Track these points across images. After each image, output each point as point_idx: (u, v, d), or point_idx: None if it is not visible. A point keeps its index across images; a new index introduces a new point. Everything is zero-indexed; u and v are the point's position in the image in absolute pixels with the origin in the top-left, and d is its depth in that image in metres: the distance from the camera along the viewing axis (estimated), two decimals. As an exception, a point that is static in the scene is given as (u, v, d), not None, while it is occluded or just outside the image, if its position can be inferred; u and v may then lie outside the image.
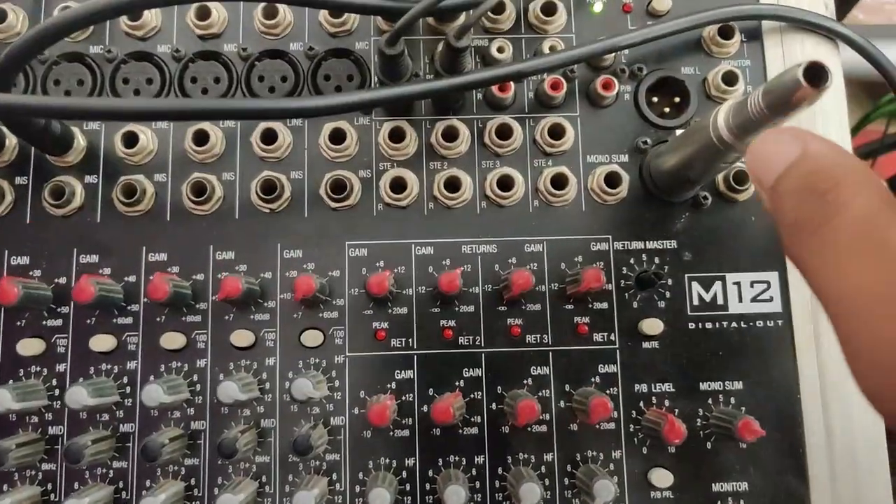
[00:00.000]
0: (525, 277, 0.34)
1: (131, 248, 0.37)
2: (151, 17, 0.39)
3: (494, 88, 0.38)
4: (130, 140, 0.38)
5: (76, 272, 0.37)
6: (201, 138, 0.38)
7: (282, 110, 0.31)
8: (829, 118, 0.40)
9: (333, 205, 0.38)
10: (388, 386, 0.36)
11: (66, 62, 0.39)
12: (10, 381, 0.35)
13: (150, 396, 0.33)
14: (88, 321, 0.36)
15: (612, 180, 0.38)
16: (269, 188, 0.38)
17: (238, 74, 0.39)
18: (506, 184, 0.38)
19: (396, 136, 0.38)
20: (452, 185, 0.38)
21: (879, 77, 0.42)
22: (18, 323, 0.36)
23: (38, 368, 0.36)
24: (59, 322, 0.36)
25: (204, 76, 0.39)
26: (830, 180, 0.21)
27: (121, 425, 0.36)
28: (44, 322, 0.36)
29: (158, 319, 0.37)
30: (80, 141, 0.38)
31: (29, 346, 0.36)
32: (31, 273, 0.37)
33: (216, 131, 0.38)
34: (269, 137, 0.38)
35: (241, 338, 0.36)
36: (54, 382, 0.36)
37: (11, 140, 0.38)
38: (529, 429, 0.36)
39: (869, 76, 0.45)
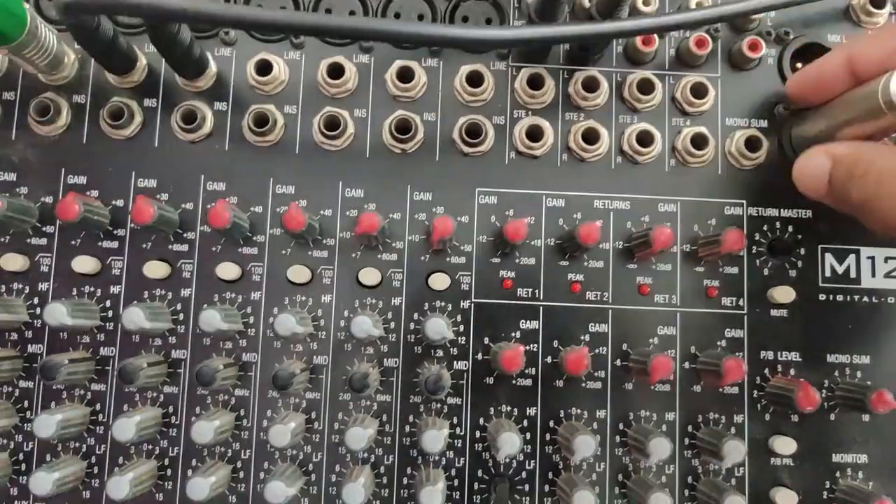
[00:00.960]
0: (667, 234, 0.33)
1: (259, 178, 0.37)
2: None
3: (638, 41, 0.37)
4: (264, 68, 0.37)
5: (203, 199, 0.37)
6: (336, 71, 0.37)
7: (473, 40, 0.29)
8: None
9: (466, 149, 0.37)
10: (513, 335, 0.36)
11: None
12: (136, 302, 0.35)
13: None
14: (214, 248, 0.36)
15: (751, 144, 0.37)
16: (403, 128, 0.37)
17: (374, 8, 0.38)
18: (644, 140, 0.37)
19: (535, 82, 0.37)
20: (589, 137, 0.37)
21: None
22: (145, 245, 0.36)
23: (164, 292, 0.36)
24: (185, 247, 0.36)
25: (341, 7, 0.38)
26: (860, 164, 0.30)
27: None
28: (169, 246, 0.36)
29: (284, 252, 0.36)
30: (213, 66, 0.37)
31: (156, 269, 0.36)
32: (158, 196, 0.36)
33: (350, 65, 0.37)
34: (405, 76, 0.37)
35: (369, 276, 0.36)
36: (179, 307, 0.36)
37: (142, 61, 0.37)
38: (654, 388, 0.36)
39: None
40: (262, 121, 0.37)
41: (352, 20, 0.31)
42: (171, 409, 0.35)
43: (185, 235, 0.36)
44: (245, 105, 0.37)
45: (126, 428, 0.33)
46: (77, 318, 0.34)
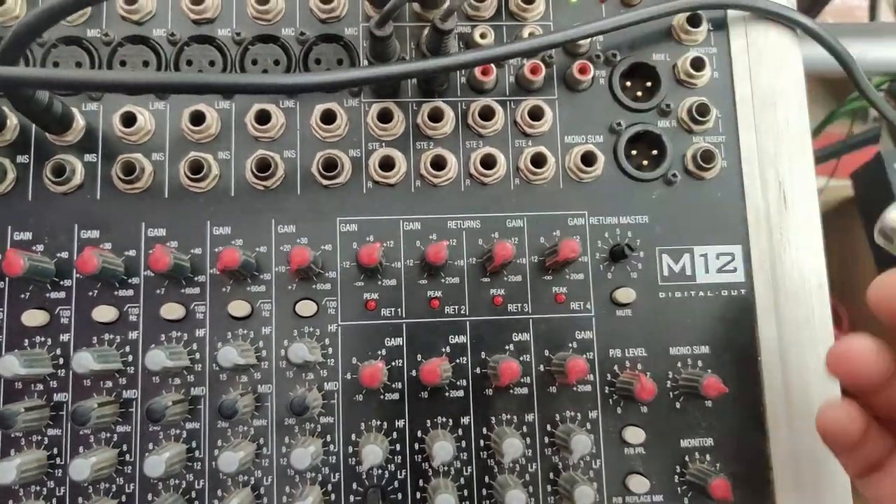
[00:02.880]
0: (507, 249, 0.36)
1: (131, 224, 0.39)
2: (147, 1, 0.41)
3: (477, 72, 0.40)
4: (129, 120, 0.39)
5: (78, 247, 0.39)
6: (198, 118, 0.40)
7: (279, 86, 0.33)
8: (790, 107, 0.43)
9: (325, 182, 0.40)
10: (379, 353, 0.38)
11: (65, 45, 0.40)
12: (16, 350, 0.37)
13: (153, 361, 0.35)
14: (91, 293, 0.38)
15: (588, 159, 0.40)
16: (264, 166, 0.39)
17: (233, 58, 0.41)
18: (488, 162, 0.40)
19: (384, 116, 0.40)
20: (438, 163, 0.40)
21: (843, 76, 0.45)
22: (23, 295, 0.38)
23: (43, 339, 0.38)
24: (62, 294, 0.38)
25: (199, 59, 0.41)
26: None
27: (124, 391, 0.37)
28: (47, 294, 0.38)
29: (159, 292, 0.38)
30: (80, 121, 0.39)
31: (33, 318, 0.38)
32: (34, 248, 0.38)
33: (212, 112, 0.40)
34: (263, 118, 0.40)
35: (239, 308, 0.38)
36: (58, 352, 0.37)
37: (13, 120, 0.39)
38: (511, 391, 0.38)
39: (832, 72, 0.48)
40: (129, 169, 0.39)
41: (206, 77, 0.34)
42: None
43: (61, 283, 0.38)
44: (115, 155, 0.40)
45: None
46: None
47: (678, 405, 0.39)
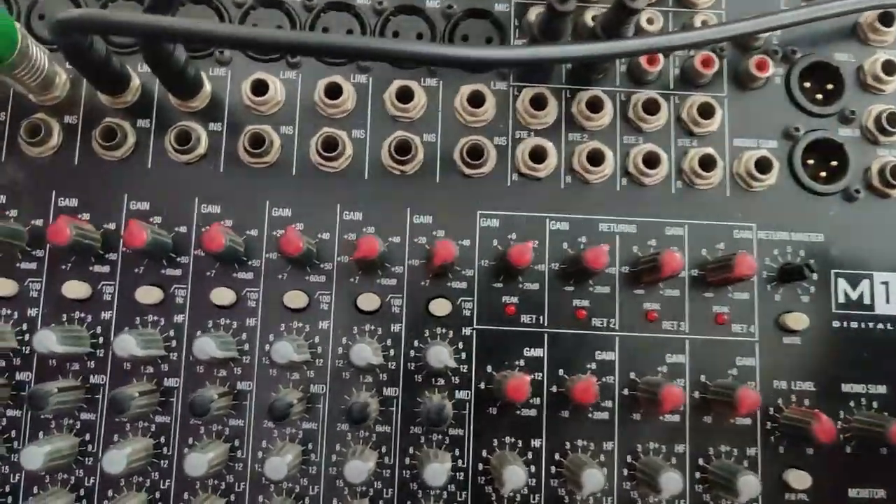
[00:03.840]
0: (676, 260, 0.32)
1: (255, 201, 0.35)
2: None
3: (643, 60, 0.36)
4: (260, 88, 0.36)
5: (197, 222, 0.36)
6: (334, 91, 0.36)
7: (464, 59, 0.28)
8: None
9: (467, 171, 0.36)
10: (516, 363, 0.35)
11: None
12: (129, 329, 0.33)
13: (279, 353, 0.31)
14: (209, 273, 0.35)
15: (761, 166, 0.36)
16: (403, 149, 0.36)
17: (371, 27, 0.37)
18: (650, 161, 0.36)
19: (538, 103, 0.36)
20: (594, 158, 0.36)
21: None
22: (137, 270, 0.35)
23: (156, 318, 0.35)
24: (178, 272, 0.35)
25: (336, 27, 0.37)
26: None
27: (240, 383, 0.34)
28: (162, 271, 0.35)
29: (280, 277, 0.35)
30: (207, 86, 0.36)
31: (148, 294, 0.34)
32: (151, 219, 0.35)
33: (348, 86, 0.36)
34: (405, 95, 0.36)
35: (368, 301, 0.35)
36: (172, 333, 0.34)
37: (135, 80, 0.36)
38: (662, 418, 0.35)
39: None
40: (258, 142, 0.36)
41: (348, 39, 0.30)
42: (162, 439, 0.34)
43: (178, 260, 0.35)
44: (240, 126, 0.36)
45: (116, 460, 0.31)
46: (66, 345, 0.32)
47: (848, 449, 0.35)
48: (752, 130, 0.37)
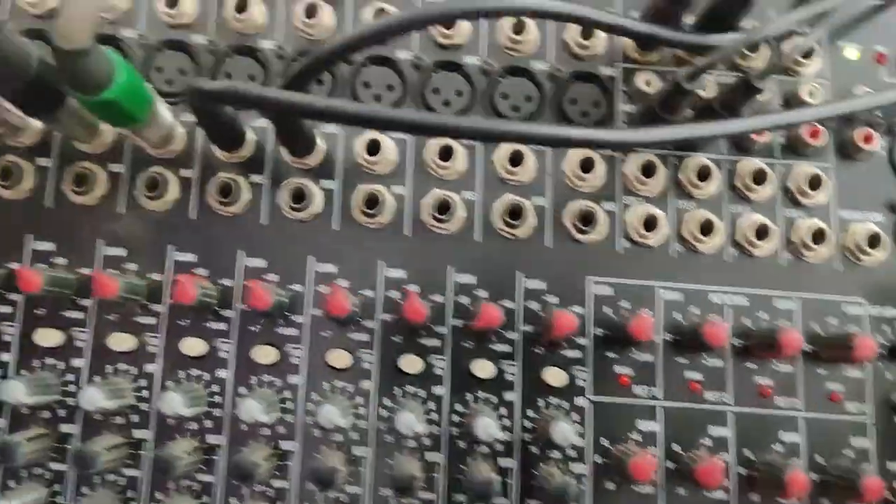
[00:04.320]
0: (795, 339, 0.32)
1: (369, 260, 0.35)
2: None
3: (806, 133, 0.36)
4: (373, 147, 0.36)
5: (310, 280, 0.35)
6: (446, 153, 0.36)
7: (607, 142, 0.29)
8: None
9: (577, 235, 0.36)
10: (630, 435, 0.34)
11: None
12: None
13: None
14: (323, 334, 0.34)
15: (872, 240, 0.36)
16: (514, 212, 0.36)
17: (481, 90, 0.37)
18: (761, 232, 0.36)
19: (647, 170, 0.37)
20: (706, 227, 0.36)
21: None
22: (253, 328, 0.34)
23: (272, 379, 0.34)
24: (294, 331, 0.34)
25: (447, 88, 0.38)
26: None
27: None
28: (276, 329, 0.34)
29: (396, 340, 0.34)
30: (321, 144, 0.37)
31: (265, 354, 0.34)
32: (265, 276, 0.35)
33: (460, 148, 0.37)
34: (516, 159, 0.37)
35: (483, 369, 0.34)
36: (287, 394, 0.33)
37: (251, 136, 0.37)
38: (784, 502, 0.33)
39: None
40: (372, 201, 0.36)
41: (497, 124, 0.30)
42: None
43: (292, 319, 0.34)
44: (353, 183, 0.37)
45: None
46: (193, 406, 0.32)
47: (973, 538, 0.34)
48: (858, 203, 0.37)
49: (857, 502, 0.32)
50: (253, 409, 0.31)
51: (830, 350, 0.34)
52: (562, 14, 0.31)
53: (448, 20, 0.35)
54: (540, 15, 0.32)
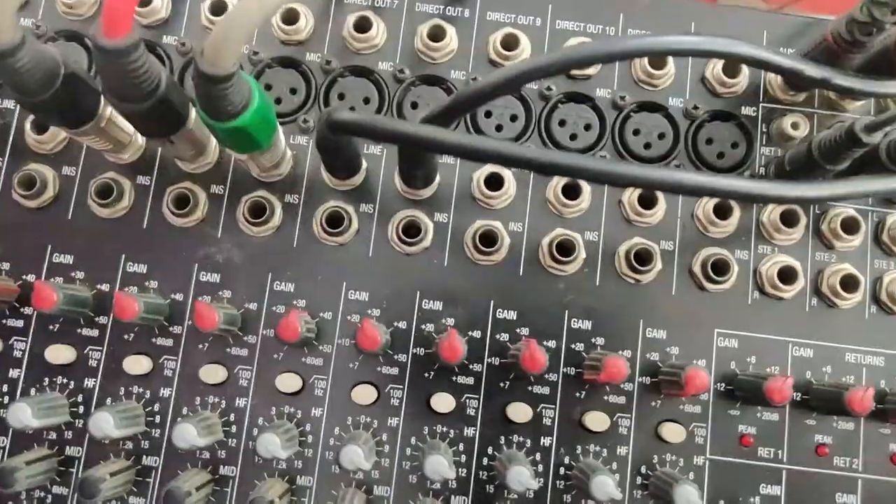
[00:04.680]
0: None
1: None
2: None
3: None
4: (494, 181, 0.33)
5: (343, 307, 0.33)
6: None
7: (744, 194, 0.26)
8: None
9: (708, 285, 0.34)
10: (751, 500, 0.33)
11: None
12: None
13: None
14: (351, 365, 0.33)
15: None
16: (643, 258, 0.33)
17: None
18: (907, 290, 0.34)
19: (788, 220, 0.34)
20: (845, 282, 0.34)
21: None
22: (276, 356, 0.33)
23: (291, 410, 0.32)
24: (319, 361, 0.33)
25: (574, 120, 0.35)
26: None
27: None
28: (303, 359, 0.33)
29: (427, 375, 0.33)
30: (437, 177, 0.34)
31: (288, 384, 0.32)
32: (295, 302, 0.33)
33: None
34: (648, 203, 0.34)
35: (597, 421, 0.32)
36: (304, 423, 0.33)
37: (364, 164, 0.34)
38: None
39: None
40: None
41: (638, 169, 0.27)
42: None
43: (321, 348, 0.33)
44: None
45: None
46: (204, 437, 0.31)
47: None
48: None
49: None
50: (270, 443, 0.29)
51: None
52: (736, 55, 0.27)
53: (604, 62, 0.30)
54: (713, 55, 0.28)
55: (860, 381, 0.33)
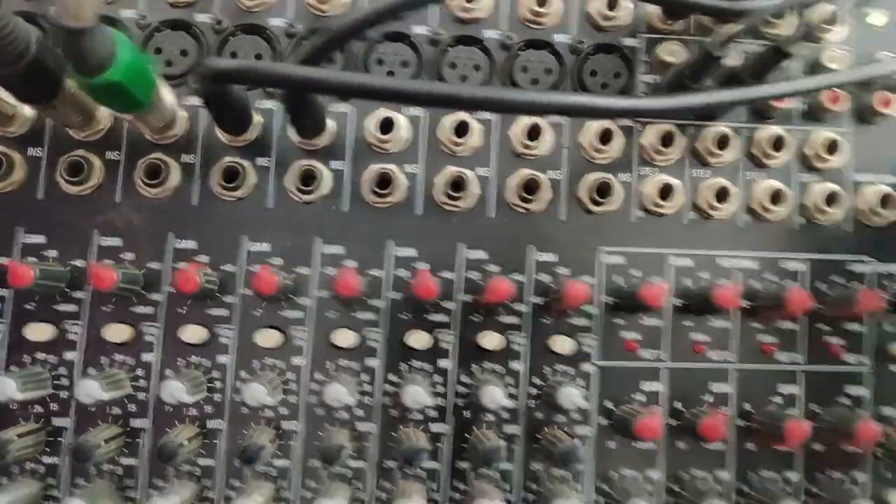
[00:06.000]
0: (803, 296, 0.33)
1: (378, 240, 0.36)
2: None
3: (827, 98, 0.35)
4: (386, 125, 0.35)
5: (318, 262, 0.35)
6: (462, 129, 0.35)
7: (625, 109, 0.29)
8: None
9: (593, 208, 0.36)
10: (635, 397, 0.36)
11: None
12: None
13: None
14: (327, 314, 0.35)
15: (885, 201, 0.36)
16: (531, 188, 0.36)
17: (500, 63, 0.36)
18: (776, 197, 0.36)
19: (666, 140, 0.36)
20: (721, 195, 0.36)
21: None
22: (256, 312, 0.35)
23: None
24: (299, 314, 0.35)
25: (464, 62, 0.36)
26: None
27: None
28: (280, 312, 0.35)
29: (403, 317, 0.35)
30: (331, 124, 0.35)
31: (268, 338, 0.35)
32: (269, 260, 0.35)
33: (475, 124, 0.35)
34: (533, 133, 0.35)
35: (491, 341, 0.36)
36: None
37: (257, 119, 0.35)
38: (777, 447, 0.36)
39: None
40: (384, 181, 0.35)
41: (514, 93, 0.29)
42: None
43: (297, 301, 0.35)
44: (364, 163, 0.36)
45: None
46: (192, 393, 0.33)
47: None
48: (873, 166, 0.37)
49: (857, 446, 0.35)
50: (257, 392, 0.32)
51: (835, 306, 0.36)
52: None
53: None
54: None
55: (736, 282, 0.37)
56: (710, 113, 0.35)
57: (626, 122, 0.36)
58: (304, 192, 0.35)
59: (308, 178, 0.35)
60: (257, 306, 0.35)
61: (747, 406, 0.36)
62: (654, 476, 0.36)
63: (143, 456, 0.34)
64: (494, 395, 0.33)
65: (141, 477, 0.34)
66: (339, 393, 0.33)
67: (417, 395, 0.33)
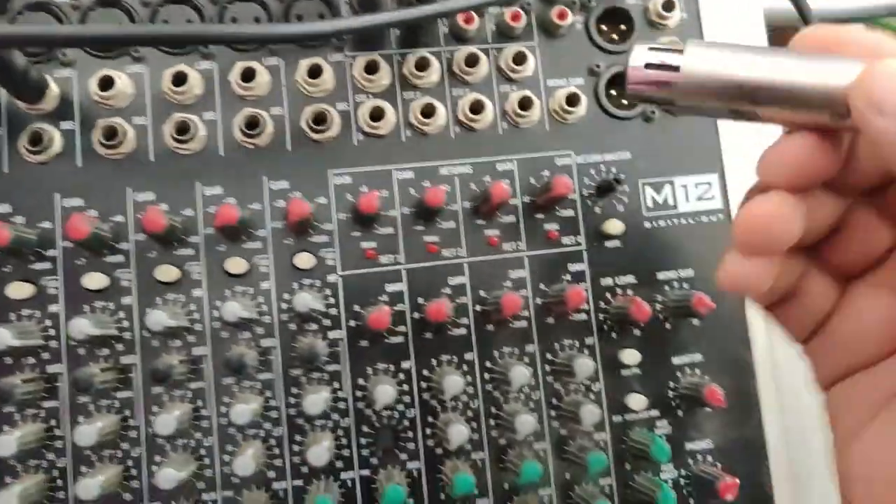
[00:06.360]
0: (503, 190, 0.37)
1: (116, 189, 0.38)
2: None
3: (460, 20, 0.41)
4: (106, 83, 0.38)
5: (61, 216, 0.38)
6: (180, 79, 0.39)
7: (280, 35, 0.33)
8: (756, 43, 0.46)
9: (315, 136, 0.40)
10: (381, 298, 0.39)
11: (30, 11, 0.38)
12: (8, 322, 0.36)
13: (154, 321, 0.34)
14: (78, 261, 0.37)
15: (571, 100, 0.42)
16: (252, 124, 0.39)
17: (210, 18, 0.40)
18: (476, 108, 0.41)
19: (370, 68, 0.41)
20: (427, 112, 0.41)
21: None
22: (6, 269, 0.37)
23: (31, 311, 0.37)
24: (48, 265, 0.37)
25: (178, 20, 0.40)
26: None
27: (121, 357, 0.37)
28: (31, 266, 0.37)
29: (150, 255, 0.38)
30: (54, 87, 0.38)
31: (19, 290, 0.37)
32: (12, 219, 0.37)
33: (193, 72, 0.39)
34: (248, 76, 0.40)
35: (237, 265, 0.38)
36: (48, 323, 0.37)
37: None
38: (511, 325, 0.40)
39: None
40: (111, 133, 0.38)
41: (187, 28, 0.33)
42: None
43: (45, 253, 0.37)
44: (93, 121, 0.38)
45: (6, 444, 0.33)
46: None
47: (668, 325, 0.41)
48: (561, 71, 0.43)
49: (567, 311, 0.39)
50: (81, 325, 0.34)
51: (541, 196, 0.40)
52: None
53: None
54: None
55: (454, 188, 0.41)
56: (367, 37, 0.40)
57: (338, 57, 0.41)
58: (34, 153, 0.38)
59: (37, 140, 0.37)
60: (5, 262, 0.36)
61: (482, 293, 0.40)
62: (405, 366, 0.39)
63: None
64: (234, 309, 0.35)
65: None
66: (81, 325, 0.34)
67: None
